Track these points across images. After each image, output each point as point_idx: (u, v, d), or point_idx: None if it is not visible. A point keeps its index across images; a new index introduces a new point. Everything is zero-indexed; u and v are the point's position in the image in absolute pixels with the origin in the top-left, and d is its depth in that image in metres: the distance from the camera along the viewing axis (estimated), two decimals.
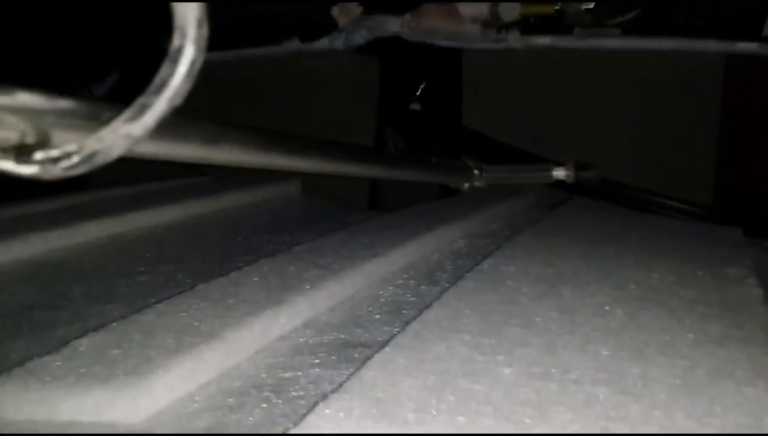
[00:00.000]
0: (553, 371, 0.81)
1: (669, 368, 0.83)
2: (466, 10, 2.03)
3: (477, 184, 1.26)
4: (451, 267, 1.36)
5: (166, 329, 0.92)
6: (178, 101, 0.41)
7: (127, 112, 0.41)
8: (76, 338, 0.92)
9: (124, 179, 2.00)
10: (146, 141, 0.43)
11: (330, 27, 2.17)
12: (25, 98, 0.40)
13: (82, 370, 0.82)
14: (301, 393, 0.84)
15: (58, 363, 0.84)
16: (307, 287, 1.10)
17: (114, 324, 0.96)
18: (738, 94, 3.12)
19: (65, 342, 0.91)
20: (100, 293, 1.22)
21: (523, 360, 0.84)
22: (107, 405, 0.76)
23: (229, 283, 1.11)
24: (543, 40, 2.04)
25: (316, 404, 0.72)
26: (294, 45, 2.21)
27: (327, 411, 0.70)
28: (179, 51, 0.40)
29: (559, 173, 1.20)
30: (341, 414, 0.69)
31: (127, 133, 0.41)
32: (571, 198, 2.00)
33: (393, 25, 2.13)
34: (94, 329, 0.95)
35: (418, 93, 2.27)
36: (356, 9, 2.15)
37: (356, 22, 2.18)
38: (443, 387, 0.76)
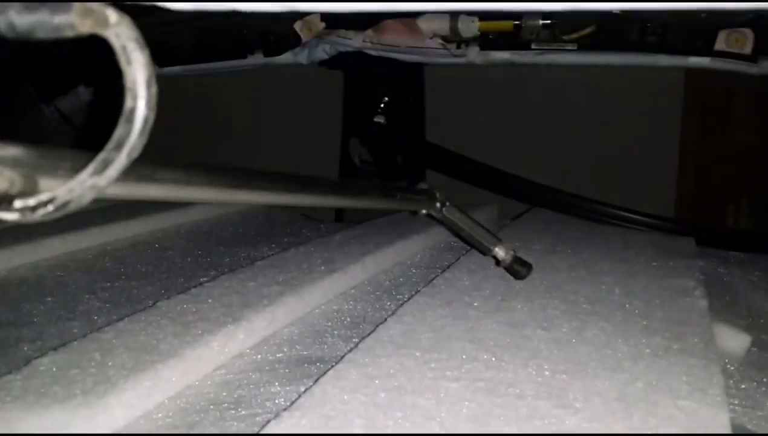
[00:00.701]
0: (498, 385, 0.84)
1: (609, 381, 0.87)
2: (426, 25, 2.07)
3: (434, 215, 1.31)
4: (409, 281, 1.40)
5: (125, 348, 0.94)
6: (136, 154, 0.45)
7: (92, 166, 0.45)
8: (37, 357, 0.94)
9: None
10: (115, 186, 0.47)
11: (293, 42, 2.20)
12: (12, 151, 0.43)
13: (42, 389, 0.84)
14: (258, 410, 0.87)
15: (19, 382, 0.86)
16: (267, 303, 1.12)
17: (74, 343, 0.98)
18: (698, 106, 3.21)
19: (27, 360, 0.93)
20: (62, 310, 1.23)
21: (470, 375, 0.87)
22: (65, 425, 0.78)
23: (189, 299, 1.13)
24: (502, 55, 2.09)
25: (268, 421, 0.75)
26: (258, 59, 2.24)
27: (278, 430, 0.72)
28: (132, 111, 0.43)
29: (499, 252, 1.28)
30: (292, 432, 0.72)
31: (93, 185, 0.45)
32: (532, 209, 2.05)
33: (355, 40, 2.17)
34: (55, 348, 0.97)
35: (381, 106, 2.30)
36: (319, 24, 2.18)
37: (319, 37, 2.21)
38: (391, 403, 0.79)
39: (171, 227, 1.77)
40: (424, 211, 1.33)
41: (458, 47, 2.10)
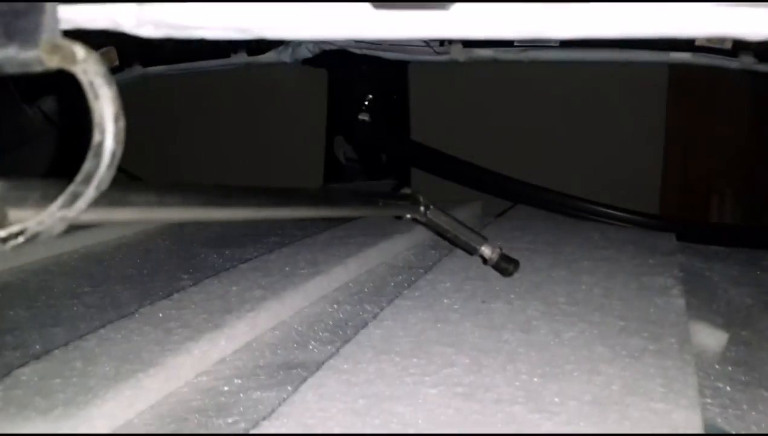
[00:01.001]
0: (476, 390, 0.86)
1: (585, 384, 0.89)
2: None
3: (419, 219, 1.32)
4: (392, 282, 1.41)
5: (107, 356, 0.95)
6: (104, 187, 0.46)
7: (61, 199, 0.46)
8: (19, 366, 0.94)
9: None
10: (87, 213, 0.48)
11: (276, 40, 2.20)
12: None
13: (24, 400, 0.85)
14: (238, 418, 0.88)
15: (0, 393, 0.87)
16: (249, 308, 1.13)
17: (56, 351, 0.99)
18: (682, 99, 3.23)
19: (10, 368, 0.93)
20: (45, 316, 1.24)
21: (448, 380, 0.88)
22: None
23: (171, 305, 1.14)
24: (485, 53, 2.10)
25: (247, 431, 0.76)
26: (241, 58, 2.24)
27: None
28: (100, 145, 0.44)
29: (486, 251, 1.30)
30: None
31: (63, 217, 0.46)
32: (515, 206, 2.06)
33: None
34: (38, 357, 0.98)
35: (365, 104, 2.31)
36: None
37: None
38: (370, 410, 0.80)
39: (155, 228, 1.77)
40: (408, 216, 1.34)
41: (441, 45, 2.10)
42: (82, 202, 0.45)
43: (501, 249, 1.32)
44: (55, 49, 0.43)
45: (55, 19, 0.45)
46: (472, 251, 1.34)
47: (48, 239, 0.46)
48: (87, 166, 0.44)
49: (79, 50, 0.43)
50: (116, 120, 0.44)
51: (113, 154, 0.44)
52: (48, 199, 0.46)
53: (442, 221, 1.34)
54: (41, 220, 0.44)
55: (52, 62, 0.43)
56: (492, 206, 2.08)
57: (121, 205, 0.55)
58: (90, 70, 0.43)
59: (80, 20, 0.47)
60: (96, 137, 0.44)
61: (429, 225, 1.35)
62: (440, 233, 1.39)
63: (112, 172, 0.45)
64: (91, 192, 0.45)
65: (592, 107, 2.98)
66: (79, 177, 0.45)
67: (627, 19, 0.46)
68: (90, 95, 0.44)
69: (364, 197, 1.21)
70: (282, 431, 0.75)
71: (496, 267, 1.31)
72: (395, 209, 1.31)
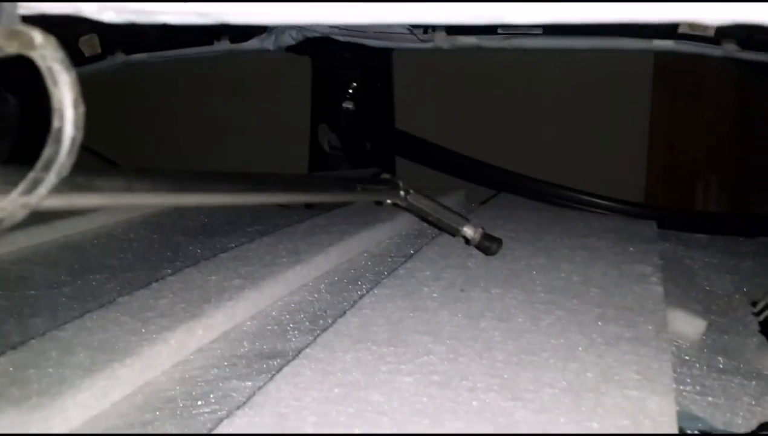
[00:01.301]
0: (452, 379, 0.86)
1: (560, 371, 0.89)
2: None
3: (399, 203, 1.32)
4: (373, 270, 1.41)
5: (83, 346, 0.95)
6: (65, 173, 0.46)
7: (22, 186, 0.45)
8: None
9: None
10: (51, 199, 0.47)
11: (259, 27, 2.18)
12: None
13: None
14: (215, 407, 0.88)
15: None
16: (228, 297, 1.13)
17: (33, 341, 0.98)
18: (667, 85, 3.24)
19: None
20: (24, 307, 1.23)
21: (424, 369, 0.89)
22: (21, 427, 0.79)
23: (150, 295, 1.14)
24: (469, 40, 2.09)
25: (221, 420, 0.76)
26: (224, 45, 2.22)
27: (231, 428, 0.73)
28: (60, 131, 0.43)
29: (468, 231, 1.31)
30: (245, 431, 0.73)
31: (25, 203, 0.45)
32: (499, 194, 2.07)
33: (322, 25, 2.16)
34: (14, 347, 0.97)
35: (350, 92, 2.30)
36: None
37: None
38: (344, 399, 0.80)
39: (136, 217, 1.77)
40: (389, 201, 1.34)
41: (425, 32, 2.10)
42: (43, 189, 0.45)
43: (483, 229, 1.32)
44: (13, 34, 0.42)
45: (14, 5, 0.44)
46: (454, 233, 1.34)
47: (10, 226, 0.46)
48: (47, 152, 0.44)
49: (37, 36, 0.43)
50: (75, 106, 0.43)
51: (73, 140, 0.44)
52: (9, 185, 0.46)
53: (423, 204, 1.34)
54: (2, 206, 0.44)
55: (11, 48, 0.42)
56: (476, 195, 2.08)
57: (87, 190, 0.55)
58: (48, 56, 0.43)
59: (41, 6, 0.46)
60: (55, 123, 0.43)
61: (411, 209, 1.35)
62: (422, 216, 1.39)
63: (73, 158, 0.45)
64: (52, 178, 0.44)
65: (576, 95, 2.99)
66: (40, 164, 0.44)
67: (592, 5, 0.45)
68: (49, 81, 0.43)
69: (343, 183, 1.21)
70: (256, 420, 0.75)
71: (479, 247, 1.32)
72: (375, 194, 1.31)
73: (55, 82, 0.43)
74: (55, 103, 0.43)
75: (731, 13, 0.42)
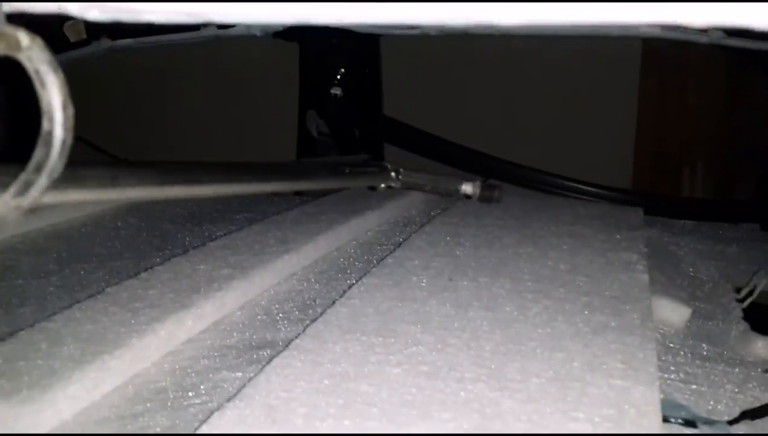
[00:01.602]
0: (440, 369, 0.87)
1: (546, 361, 0.90)
2: None
3: (393, 185, 1.33)
4: (362, 259, 1.41)
5: (73, 338, 0.95)
6: (56, 175, 0.46)
7: (14, 188, 0.45)
8: None
9: None
10: (46, 195, 0.47)
11: None
12: None
13: None
14: (205, 398, 0.89)
15: None
16: (217, 287, 1.13)
17: (22, 333, 0.98)
18: (654, 70, 3.25)
19: None
20: (12, 297, 1.23)
21: (413, 359, 0.89)
22: (11, 420, 0.79)
23: (138, 285, 1.14)
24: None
25: (212, 412, 0.77)
26: (211, 31, 2.21)
27: (221, 421, 0.74)
28: (50, 134, 0.43)
29: (467, 188, 1.33)
30: (234, 423, 0.74)
31: (17, 205, 0.46)
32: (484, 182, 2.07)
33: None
34: (2, 338, 0.97)
35: (338, 78, 2.29)
36: None
37: None
38: (334, 390, 0.81)
39: (125, 205, 1.76)
40: (383, 185, 1.35)
41: None
42: (35, 191, 0.45)
43: (481, 181, 1.34)
44: None
45: None
46: (453, 194, 1.36)
47: (5, 225, 0.46)
48: (37, 155, 0.44)
49: (24, 37, 0.42)
50: (64, 108, 0.43)
51: (63, 143, 0.44)
52: (1, 186, 0.46)
53: (416, 178, 1.36)
54: None
55: None
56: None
57: (72, 186, 0.55)
58: (35, 57, 0.43)
59: (25, 5, 0.46)
60: (45, 126, 0.43)
61: (406, 187, 1.36)
62: (419, 188, 1.40)
63: (64, 160, 0.45)
64: (43, 181, 0.44)
65: (563, 80, 2.99)
66: (30, 166, 0.44)
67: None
68: (36, 83, 0.43)
69: (335, 169, 1.21)
70: (246, 412, 0.76)
71: (482, 199, 1.33)
72: (366, 179, 1.32)
73: (43, 84, 0.43)
74: (43, 106, 0.43)
75: (716, 16, 0.42)
